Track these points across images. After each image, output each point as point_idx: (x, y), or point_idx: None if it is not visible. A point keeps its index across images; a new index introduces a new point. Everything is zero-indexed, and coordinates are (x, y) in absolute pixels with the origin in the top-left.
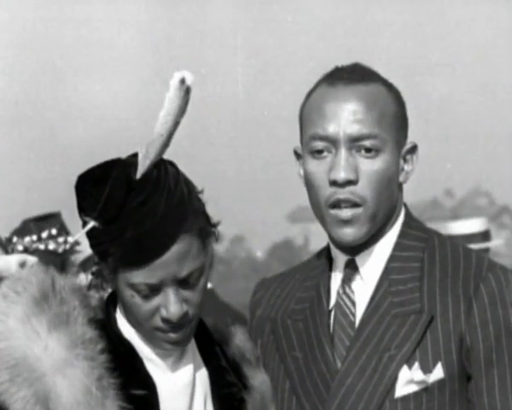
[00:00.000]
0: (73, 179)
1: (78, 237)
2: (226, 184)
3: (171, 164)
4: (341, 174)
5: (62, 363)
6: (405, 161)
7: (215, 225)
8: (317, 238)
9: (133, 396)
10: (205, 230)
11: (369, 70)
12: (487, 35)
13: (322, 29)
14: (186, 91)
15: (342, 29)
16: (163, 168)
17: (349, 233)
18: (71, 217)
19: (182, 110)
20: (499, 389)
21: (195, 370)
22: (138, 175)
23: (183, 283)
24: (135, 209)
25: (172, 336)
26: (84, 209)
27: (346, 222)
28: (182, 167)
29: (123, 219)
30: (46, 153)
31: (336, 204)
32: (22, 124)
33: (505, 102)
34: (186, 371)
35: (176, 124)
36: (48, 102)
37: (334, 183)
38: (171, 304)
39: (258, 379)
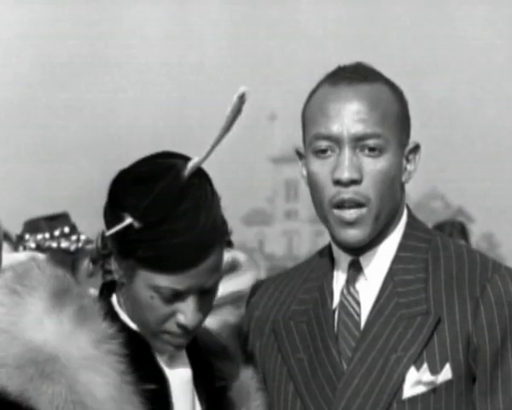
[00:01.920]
0: (69, 180)
1: (114, 231)
2: None
3: (206, 176)
4: (345, 174)
5: (92, 359)
6: (408, 160)
7: (230, 233)
8: (272, 241)
9: (146, 390)
10: (226, 241)
11: (372, 70)
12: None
13: (322, 30)
14: (241, 106)
15: (343, 30)
16: (203, 180)
17: (353, 235)
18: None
19: (233, 124)
20: (502, 390)
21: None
22: (184, 180)
23: (204, 292)
24: (179, 217)
25: (180, 340)
26: (123, 205)
27: (350, 223)
28: None
29: (166, 225)
30: (43, 153)
31: (340, 204)
32: (19, 124)
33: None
34: (185, 364)
35: (225, 136)
36: (45, 102)
37: (338, 182)
38: (192, 312)
39: (237, 375)
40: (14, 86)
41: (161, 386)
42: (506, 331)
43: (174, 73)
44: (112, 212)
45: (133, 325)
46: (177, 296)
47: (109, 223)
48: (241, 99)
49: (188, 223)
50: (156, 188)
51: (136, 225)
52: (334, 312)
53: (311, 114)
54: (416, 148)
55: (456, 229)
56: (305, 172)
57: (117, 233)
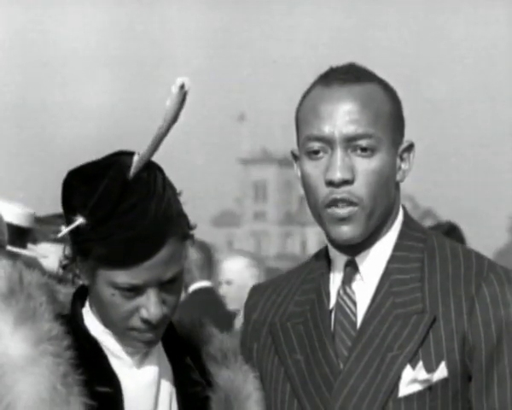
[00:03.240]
0: (57, 177)
1: (65, 233)
2: None
3: (159, 168)
4: (337, 174)
5: (27, 360)
6: (402, 159)
7: (193, 228)
8: (240, 242)
9: (97, 393)
10: (186, 233)
11: (365, 70)
12: (487, 36)
13: (321, 30)
14: (183, 97)
15: (342, 30)
16: (153, 173)
17: (346, 231)
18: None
19: (177, 115)
20: (498, 388)
21: (161, 367)
22: (131, 175)
23: (164, 285)
24: (127, 211)
25: (148, 335)
26: (72, 205)
27: (343, 220)
28: None
29: (114, 220)
30: (36, 152)
31: (333, 204)
32: (12, 125)
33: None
34: (151, 368)
35: (170, 128)
36: (38, 102)
37: (330, 183)
38: (153, 306)
39: (223, 377)
40: None
41: (113, 389)
42: (501, 330)
43: (141, 71)
44: (65, 213)
45: (100, 328)
46: (136, 291)
47: (65, 225)
48: (182, 89)
49: (135, 216)
50: (101, 185)
51: (86, 223)
52: (330, 312)
53: (303, 115)
54: (411, 146)
55: (450, 230)
56: (299, 174)
57: (73, 235)
